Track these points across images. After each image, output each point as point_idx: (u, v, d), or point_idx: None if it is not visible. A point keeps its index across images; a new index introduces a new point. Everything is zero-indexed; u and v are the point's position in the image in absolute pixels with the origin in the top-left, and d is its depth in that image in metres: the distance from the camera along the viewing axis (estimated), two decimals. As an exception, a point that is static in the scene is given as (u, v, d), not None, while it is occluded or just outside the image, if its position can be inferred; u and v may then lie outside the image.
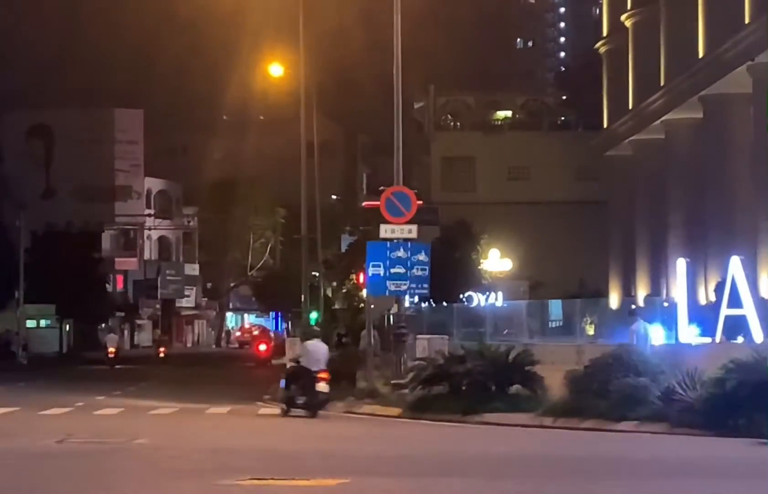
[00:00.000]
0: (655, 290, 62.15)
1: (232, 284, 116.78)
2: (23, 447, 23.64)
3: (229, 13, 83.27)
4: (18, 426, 29.80)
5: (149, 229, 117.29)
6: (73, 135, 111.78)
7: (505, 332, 47.08)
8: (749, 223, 49.37)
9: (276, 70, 61.69)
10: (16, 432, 27.81)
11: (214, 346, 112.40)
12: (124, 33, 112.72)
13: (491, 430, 28.67)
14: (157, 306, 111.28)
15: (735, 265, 31.11)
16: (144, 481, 18.30)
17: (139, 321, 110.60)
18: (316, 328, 41.57)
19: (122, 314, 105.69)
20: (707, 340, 31.63)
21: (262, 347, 78.76)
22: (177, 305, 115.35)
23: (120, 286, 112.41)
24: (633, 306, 38.54)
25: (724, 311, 30.77)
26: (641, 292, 65.02)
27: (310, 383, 32.30)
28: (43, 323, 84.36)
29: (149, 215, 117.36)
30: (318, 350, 33.25)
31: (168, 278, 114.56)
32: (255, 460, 21.67)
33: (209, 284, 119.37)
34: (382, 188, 43.97)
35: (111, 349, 72.42)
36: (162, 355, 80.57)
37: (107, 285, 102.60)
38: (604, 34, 77.28)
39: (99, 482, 18.35)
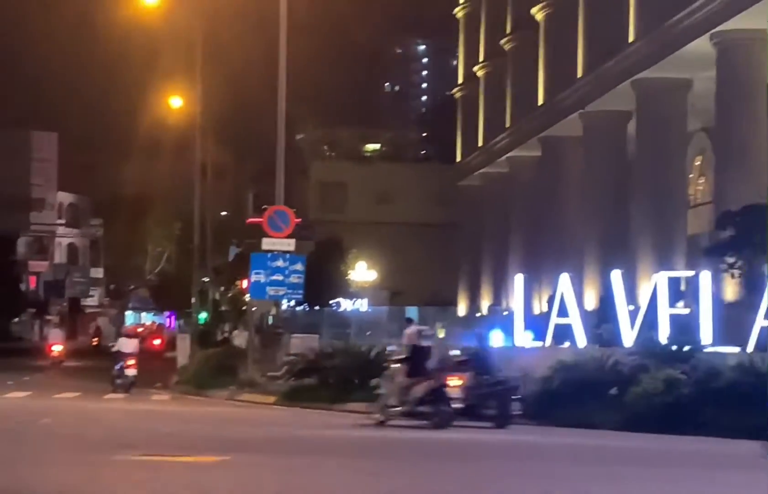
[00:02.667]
0: (497, 301, 62.78)
1: (132, 287, 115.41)
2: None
3: (141, 52, 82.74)
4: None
5: (60, 236, 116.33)
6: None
7: (368, 333, 47.27)
8: (577, 246, 50.02)
9: (176, 102, 61.57)
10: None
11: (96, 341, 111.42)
12: (49, 61, 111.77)
13: (354, 417, 28.75)
14: (65, 304, 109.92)
15: (564, 281, 31.67)
16: (47, 457, 18.06)
17: (48, 317, 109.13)
18: None
19: (33, 310, 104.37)
20: (539, 344, 32.07)
21: (156, 341, 78.33)
22: (82, 303, 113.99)
23: (33, 285, 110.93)
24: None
25: (554, 319, 31.27)
26: (485, 302, 65.66)
27: None
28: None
29: (60, 225, 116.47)
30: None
31: (75, 280, 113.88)
32: (147, 438, 21.52)
33: (112, 286, 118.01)
34: (265, 206, 43.77)
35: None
36: (95, 344, 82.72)
37: (21, 285, 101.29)
38: (459, 82, 77.91)
39: (3, 458, 18.06)
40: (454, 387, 25.56)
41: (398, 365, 26.35)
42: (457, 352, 28.56)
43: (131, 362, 38.76)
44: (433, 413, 24.84)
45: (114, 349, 40.11)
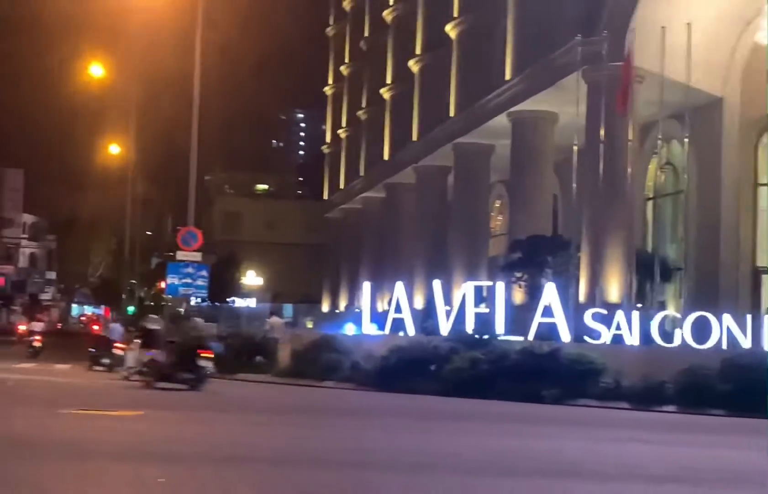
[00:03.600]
0: (351, 301, 62.80)
1: (77, 286, 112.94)
2: None
3: (91, 108, 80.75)
4: None
5: (23, 247, 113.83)
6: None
7: (255, 323, 46.83)
8: (410, 262, 50.17)
9: (115, 148, 60.40)
10: None
11: (59, 325, 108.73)
12: (19, 112, 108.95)
13: (242, 384, 28.41)
14: (26, 298, 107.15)
15: (399, 287, 31.81)
16: (11, 411, 17.42)
17: (13, 307, 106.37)
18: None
19: (1, 302, 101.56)
20: (381, 332, 32.15)
21: (96, 327, 76.47)
22: (40, 297, 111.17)
23: (2, 284, 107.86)
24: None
25: (392, 315, 31.35)
26: (343, 302, 65.64)
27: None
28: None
29: (24, 238, 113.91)
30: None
31: (34, 280, 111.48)
32: (84, 397, 20.95)
33: (62, 285, 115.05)
34: (179, 227, 43.07)
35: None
36: (59, 327, 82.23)
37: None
38: (327, 141, 77.99)
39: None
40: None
41: (137, 340, 29.40)
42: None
43: (38, 337, 41.35)
44: (150, 372, 27.00)
45: (28, 328, 42.16)
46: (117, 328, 34.06)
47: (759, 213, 34.71)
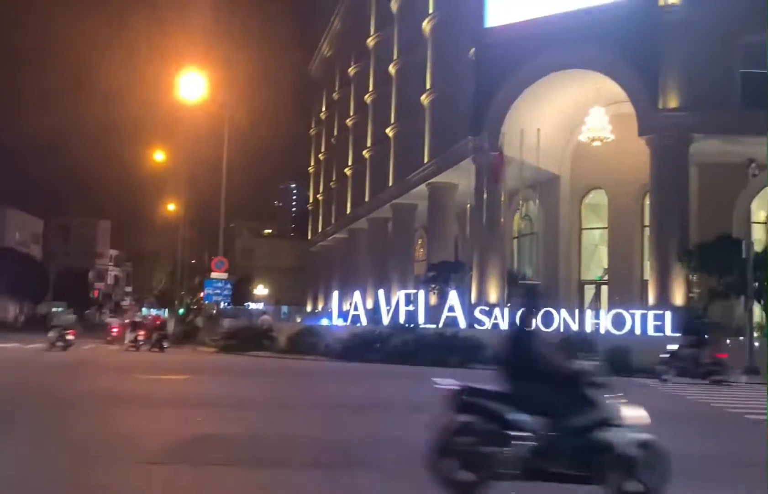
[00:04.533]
0: (326, 304, 62.17)
1: (146, 297, 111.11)
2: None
3: (153, 176, 79.21)
4: None
5: (110, 271, 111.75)
6: (79, 233, 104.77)
7: (260, 318, 46.17)
8: (363, 278, 49.94)
9: (171, 206, 59.61)
10: None
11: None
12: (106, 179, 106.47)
13: (254, 358, 27.97)
14: (113, 304, 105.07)
15: (357, 295, 31.72)
16: (99, 374, 16.85)
17: (103, 310, 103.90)
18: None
19: (96, 307, 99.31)
20: (345, 324, 31.94)
21: (157, 322, 74.46)
22: (120, 304, 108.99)
23: (96, 295, 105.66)
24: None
25: (352, 312, 31.24)
26: (320, 304, 65.05)
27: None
28: (61, 309, 78.01)
29: (110, 265, 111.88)
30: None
31: (117, 293, 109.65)
32: (148, 367, 20.45)
33: (136, 295, 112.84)
34: (212, 257, 42.48)
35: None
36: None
37: (90, 294, 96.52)
38: (310, 201, 77.65)
39: (73, 373, 16.75)
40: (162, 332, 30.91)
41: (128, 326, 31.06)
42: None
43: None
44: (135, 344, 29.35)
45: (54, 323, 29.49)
46: (113, 321, 33.83)
47: (583, 247, 35.50)
